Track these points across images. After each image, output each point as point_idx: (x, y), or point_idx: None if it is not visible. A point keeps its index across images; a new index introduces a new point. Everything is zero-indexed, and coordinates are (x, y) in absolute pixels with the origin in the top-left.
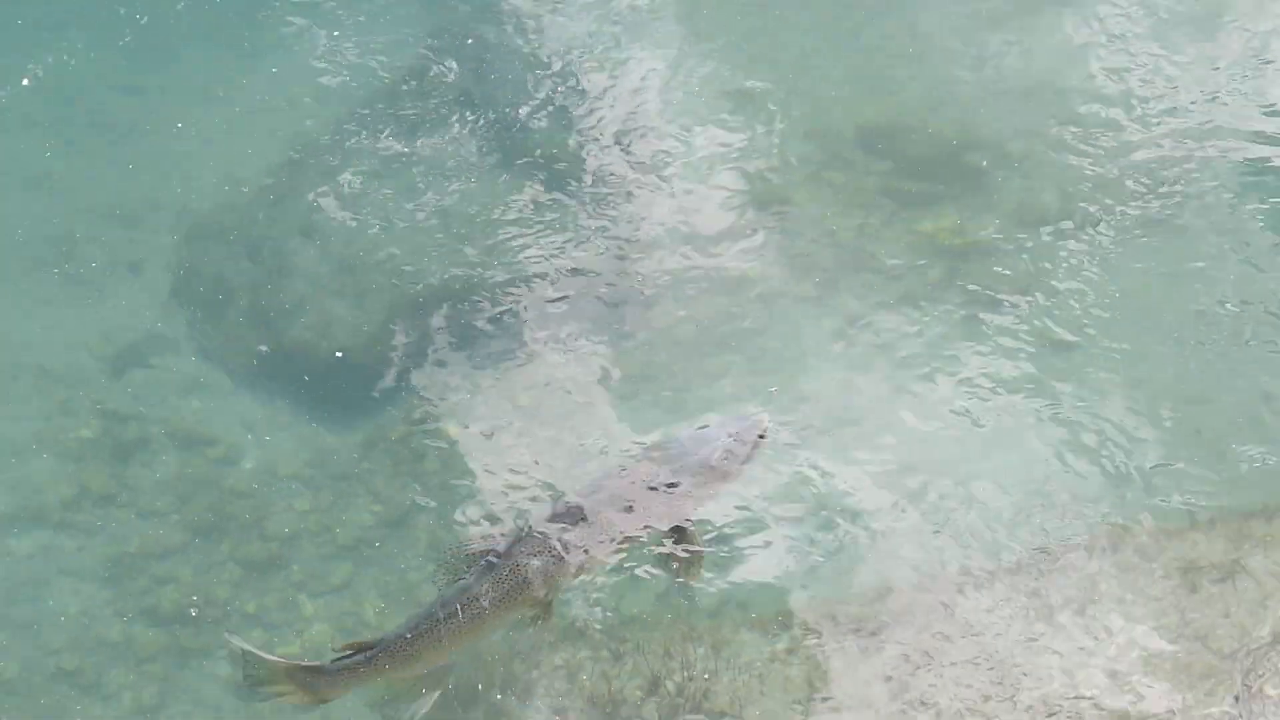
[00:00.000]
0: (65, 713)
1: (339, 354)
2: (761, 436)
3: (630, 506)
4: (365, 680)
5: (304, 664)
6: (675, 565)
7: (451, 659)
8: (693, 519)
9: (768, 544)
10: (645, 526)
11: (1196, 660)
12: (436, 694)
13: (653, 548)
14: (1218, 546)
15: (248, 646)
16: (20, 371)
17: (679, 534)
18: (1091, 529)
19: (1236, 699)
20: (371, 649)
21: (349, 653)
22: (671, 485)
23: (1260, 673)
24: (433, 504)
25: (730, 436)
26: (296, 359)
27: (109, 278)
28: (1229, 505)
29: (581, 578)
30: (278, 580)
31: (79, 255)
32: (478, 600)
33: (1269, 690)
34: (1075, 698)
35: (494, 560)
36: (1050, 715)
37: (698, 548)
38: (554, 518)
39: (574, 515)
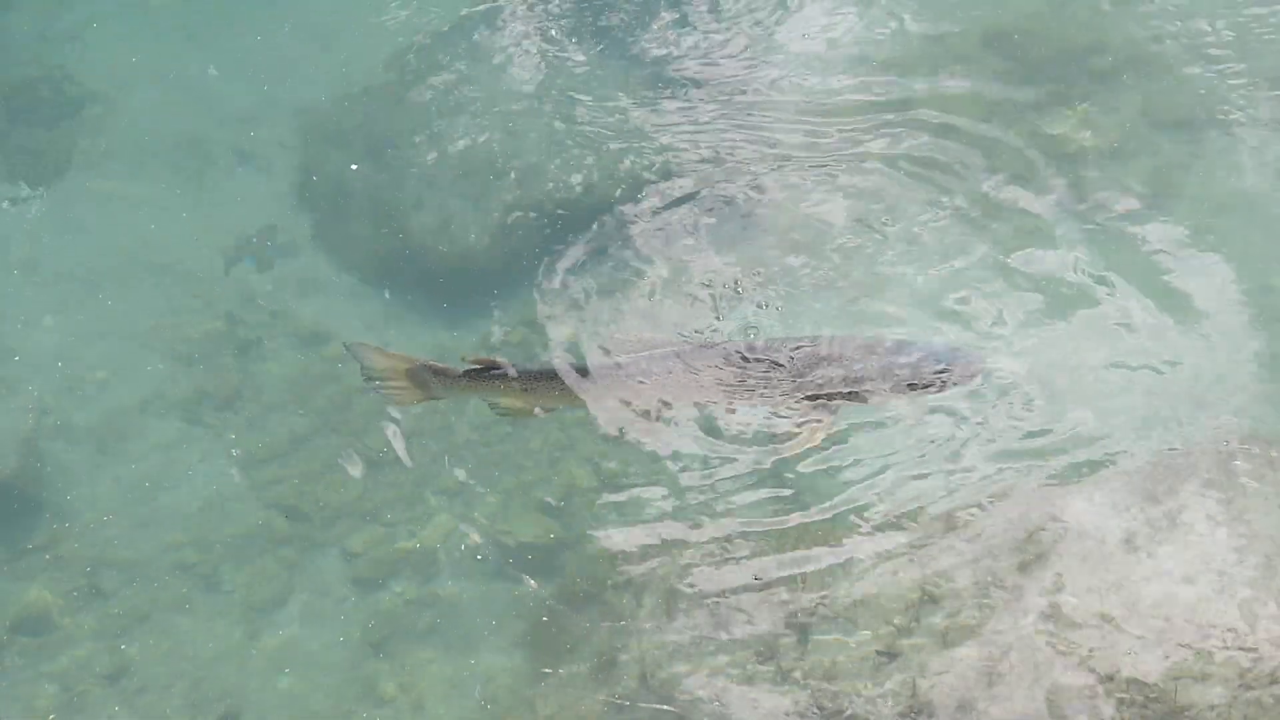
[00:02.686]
0: (190, 601)
1: (459, 256)
2: (971, 377)
3: (822, 375)
4: (474, 393)
5: (428, 362)
6: (801, 429)
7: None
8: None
9: (883, 446)
10: (817, 396)
11: None
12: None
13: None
14: None
15: (367, 343)
16: (144, 268)
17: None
18: (1207, 432)
19: None
20: (493, 370)
21: (475, 365)
22: (869, 375)
23: None
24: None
25: (945, 364)
26: (417, 259)
27: (231, 177)
28: None
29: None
30: (398, 478)
31: (201, 154)
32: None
33: None
34: (1184, 606)
35: None
36: (1159, 625)
37: (830, 422)
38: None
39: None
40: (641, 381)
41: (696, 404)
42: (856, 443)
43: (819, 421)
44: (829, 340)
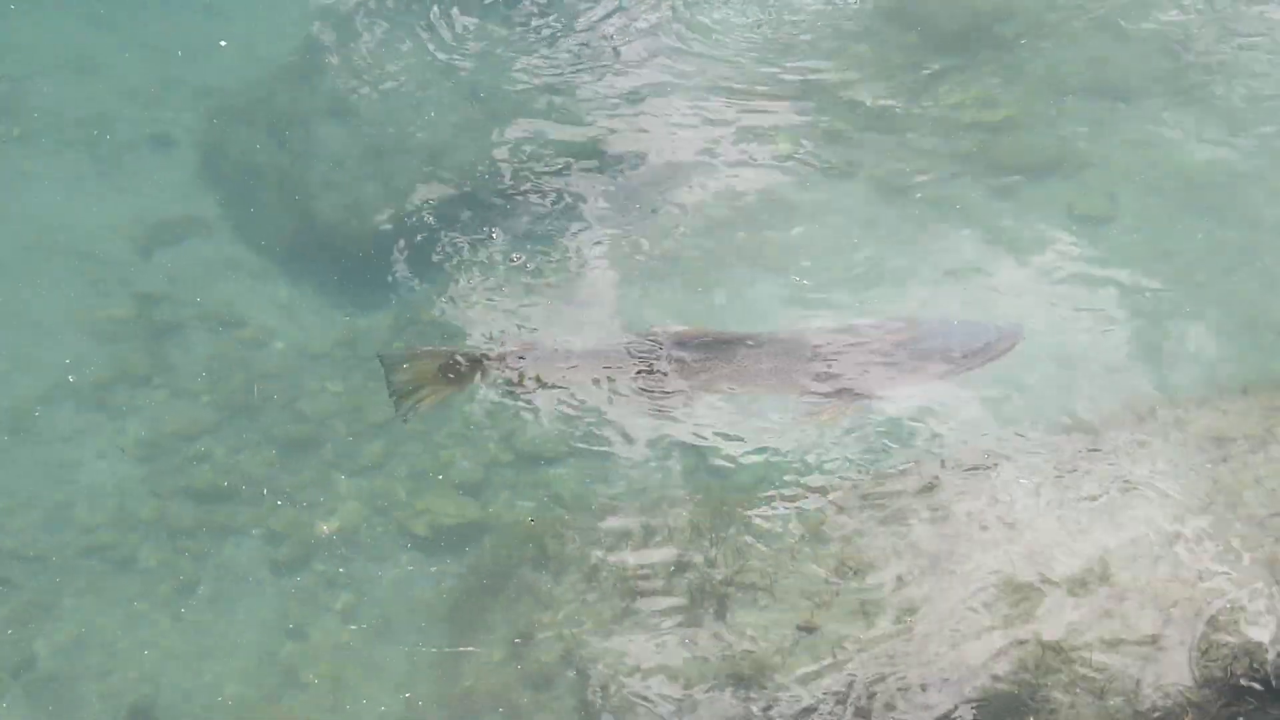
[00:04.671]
0: (99, 589)
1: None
2: (1012, 347)
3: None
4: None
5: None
6: (822, 412)
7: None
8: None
9: (795, 423)
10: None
11: (1227, 528)
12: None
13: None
14: (1251, 416)
15: (400, 352)
16: (52, 251)
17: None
18: (1123, 400)
19: (1268, 565)
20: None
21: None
22: (901, 360)
23: None
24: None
25: (984, 342)
26: (326, 240)
27: (138, 158)
28: (1261, 374)
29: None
30: (311, 459)
31: (107, 136)
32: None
33: None
34: (1104, 568)
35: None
36: (1082, 584)
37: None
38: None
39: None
40: (703, 371)
41: (752, 394)
42: (775, 416)
43: (843, 403)
44: (861, 327)
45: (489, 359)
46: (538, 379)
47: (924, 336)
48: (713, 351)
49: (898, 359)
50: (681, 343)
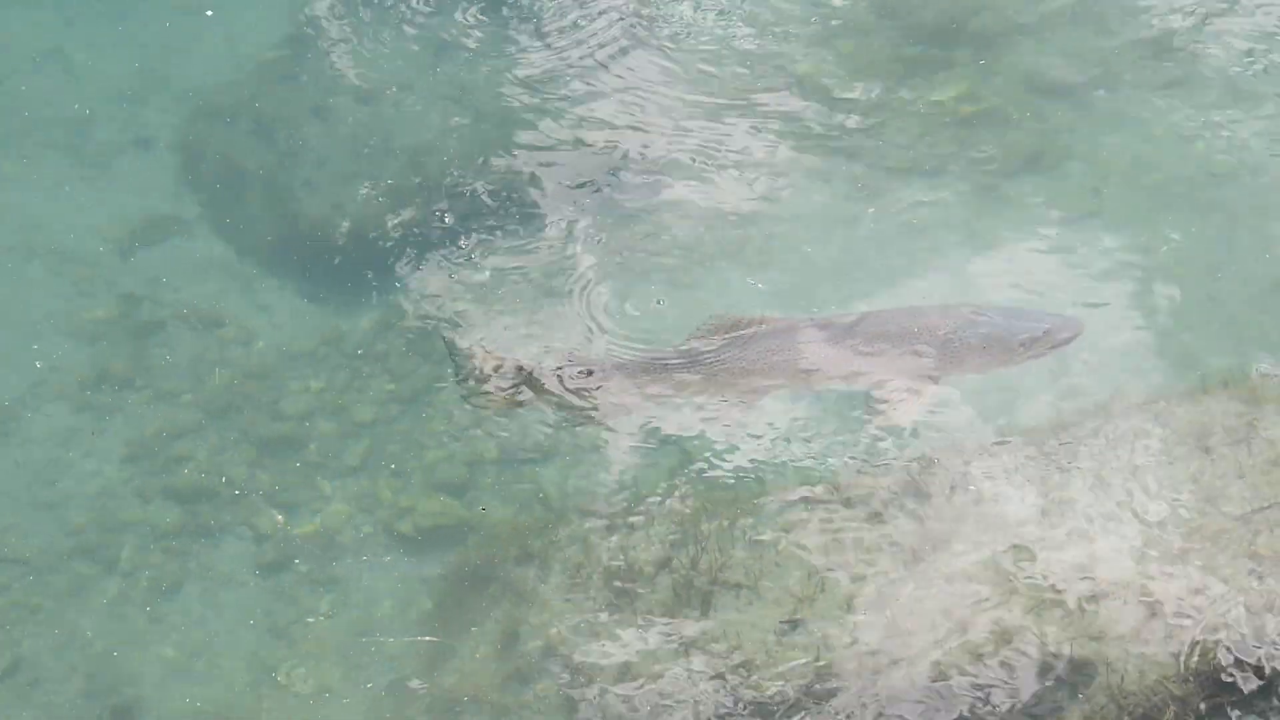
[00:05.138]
0: (84, 590)
1: (350, 234)
2: (1073, 338)
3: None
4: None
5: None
6: (894, 405)
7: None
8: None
9: (779, 422)
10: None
11: (1209, 522)
12: None
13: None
14: (1232, 410)
15: (468, 340)
16: (34, 252)
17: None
18: (1105, 394)
19: (1250, 560)
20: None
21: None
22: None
23: (1272, 533)
24: (447, 384)
25: (1044, 329)
26: (309, 240)
27: (119, 158)
28: (1243, 369)
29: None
30: (294, 459)
31: (88, 135)
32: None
33: None
34: (1087, 564)
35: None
36: (1064, 580)
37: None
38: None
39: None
40: (770, 364)
41: (816, 387)
42: (761, 413)
43: (917, 392)
44: (920, 312)
45: (550, 374)
46: (594, 397)
47: (985, 323)
48: (771, 344)
49: (960, 346)
50: (737, 340)
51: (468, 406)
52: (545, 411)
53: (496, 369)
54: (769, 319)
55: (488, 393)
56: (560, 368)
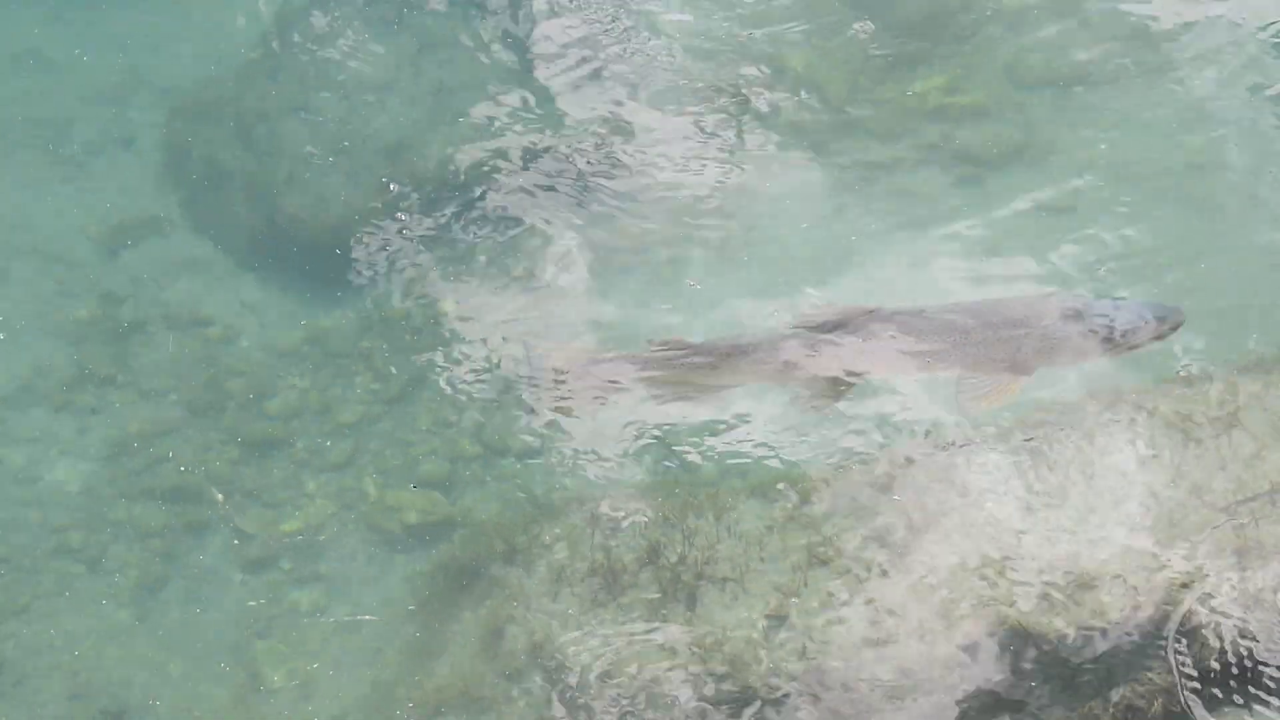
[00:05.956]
0: (68, 589)
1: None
2: (1175, 328)
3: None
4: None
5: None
6: (988, 394)
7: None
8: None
9: (762, 417)
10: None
11: (1194, 514)
12: None
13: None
14: (1215, 400)
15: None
16: (15, 253)
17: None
18: (1089, 386)
19: (1235, 551)
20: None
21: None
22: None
23: (1256, 524)
24: (432, 379)
25: (1144, 320)
26: (291, 238)
27: (99, 158)
28: (1225, 360)
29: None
30: (279, 458)
31: (68, 135)
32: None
33: (1265, 541)
34: (1071, 556)
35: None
36: (1048, 573)
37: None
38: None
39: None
40: (859, 352)
41: (904, 375)
42: (742, 407)
43: (1009, 383)
44: (1014, 302)
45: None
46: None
47: (1084, 316)
48: (868, 331)
49: (1054, 336)
50: (834, 326)
51: (551, 413)
52: (625, 403)
53: (575, 366)
54: (852, 308)
55: (568, 395)
56: (660, 345)
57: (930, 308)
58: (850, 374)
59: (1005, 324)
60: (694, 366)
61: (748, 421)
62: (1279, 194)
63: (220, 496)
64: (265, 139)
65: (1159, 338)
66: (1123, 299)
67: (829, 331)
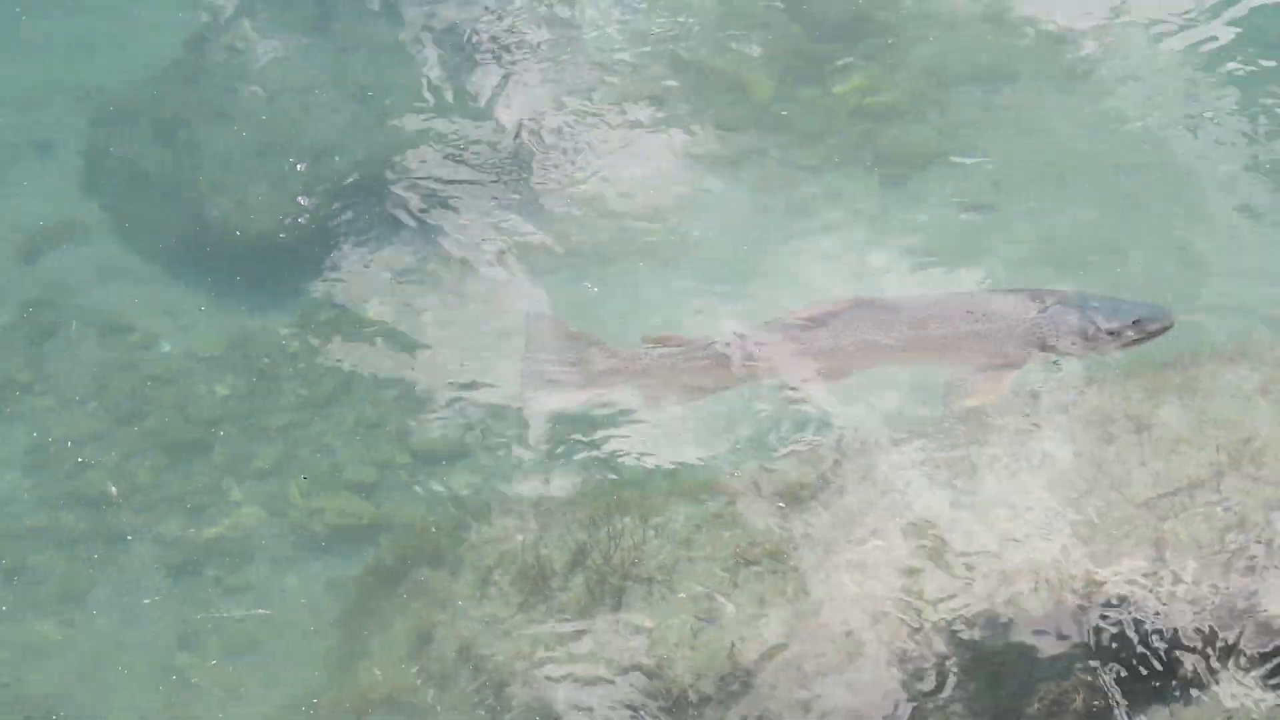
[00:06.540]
0: None
1: (248, 236)
2: (1166, 329)
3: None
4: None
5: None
6: (975, 390)
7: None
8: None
9: (691, 419)
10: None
11: (1114, 510)
12: None
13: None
14: (1133, 398)
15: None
16: None
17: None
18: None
19: (1154, 546)
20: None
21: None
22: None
23: (1177, 519)
24: (358, 385)
25: (1134, 319)
26: (215, 242)
27: (18, 162)
28: (1143, 357)
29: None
30: (202, 464)
31: None
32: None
33: (1184, 536)
34: (996, 552)
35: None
36: (971, 570)
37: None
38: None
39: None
40: (853, 345)
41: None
42: (669, 409)
43: (999, 378)
44: (1008, 296)
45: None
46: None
47: (1074, 311)
48: (857, 326)
49: (1048, 332)
50: (824, 323)
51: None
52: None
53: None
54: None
55: (564, 373)
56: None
57: (916, 301)
58: (838, 370)
59: (995, 318)
60: (693, 366)
61: (677, 423)
62: (1197, 192)
63: (113, 490)
64: (186, 143)
65: (1149, 337)
66: (1116, 298)
67: (818, 328)
